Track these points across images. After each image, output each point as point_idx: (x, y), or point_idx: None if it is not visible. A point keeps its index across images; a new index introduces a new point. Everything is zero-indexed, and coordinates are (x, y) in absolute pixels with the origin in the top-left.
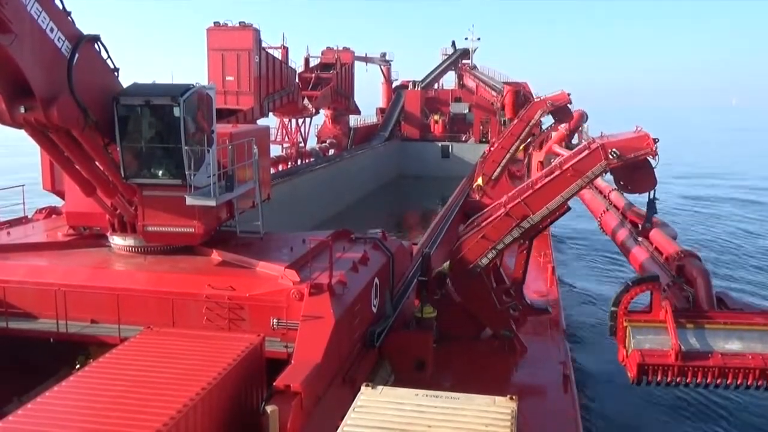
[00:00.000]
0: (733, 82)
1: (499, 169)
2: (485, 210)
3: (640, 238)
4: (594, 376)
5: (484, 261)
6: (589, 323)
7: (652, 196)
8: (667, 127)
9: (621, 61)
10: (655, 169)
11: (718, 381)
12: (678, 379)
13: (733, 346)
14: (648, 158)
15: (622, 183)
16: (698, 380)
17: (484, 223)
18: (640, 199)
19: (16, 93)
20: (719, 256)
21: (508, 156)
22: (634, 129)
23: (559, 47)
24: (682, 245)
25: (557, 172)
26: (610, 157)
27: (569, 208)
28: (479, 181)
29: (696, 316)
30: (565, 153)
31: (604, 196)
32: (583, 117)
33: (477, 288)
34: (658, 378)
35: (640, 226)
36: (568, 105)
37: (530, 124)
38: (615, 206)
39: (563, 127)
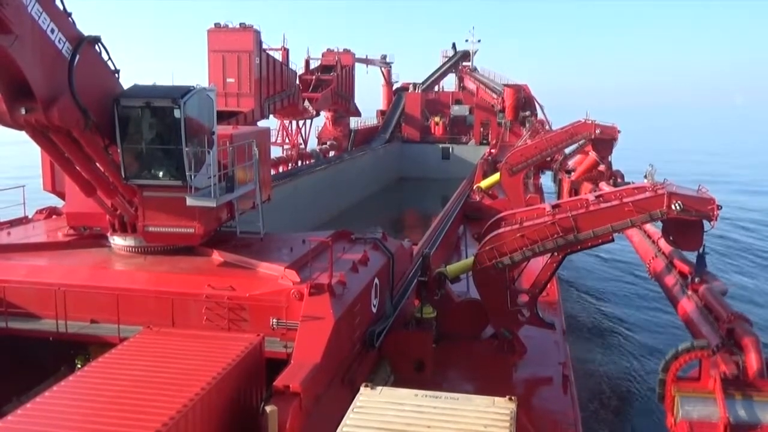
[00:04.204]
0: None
1: (522, 165)
2: (527, 208)
3: (689, 292)
4: (594, 376)
5: (516, 257)
6: (588, 323)
7: (702, 251)
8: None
9: (623, 63)
10: (705, 233)
11: None
12: None
13: None
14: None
15: (670, 236)
16: None
17: (527, 222)
18: None
19: (16, 94)
20: None
21: (538, 158)
22: (697, 188)
23: (559, 48)
24: (731, 306)
25: (615, 202)
26: (673, 207)
27: (613, 240)
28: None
29: (745, 386)
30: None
31: (653, 242)
32: (614, 143)
33: (496, 280)
34: None
35: (689, 277)
36: (614, 140)
37: (572, 140)
38: (663, 252)
39: (593, 154)
